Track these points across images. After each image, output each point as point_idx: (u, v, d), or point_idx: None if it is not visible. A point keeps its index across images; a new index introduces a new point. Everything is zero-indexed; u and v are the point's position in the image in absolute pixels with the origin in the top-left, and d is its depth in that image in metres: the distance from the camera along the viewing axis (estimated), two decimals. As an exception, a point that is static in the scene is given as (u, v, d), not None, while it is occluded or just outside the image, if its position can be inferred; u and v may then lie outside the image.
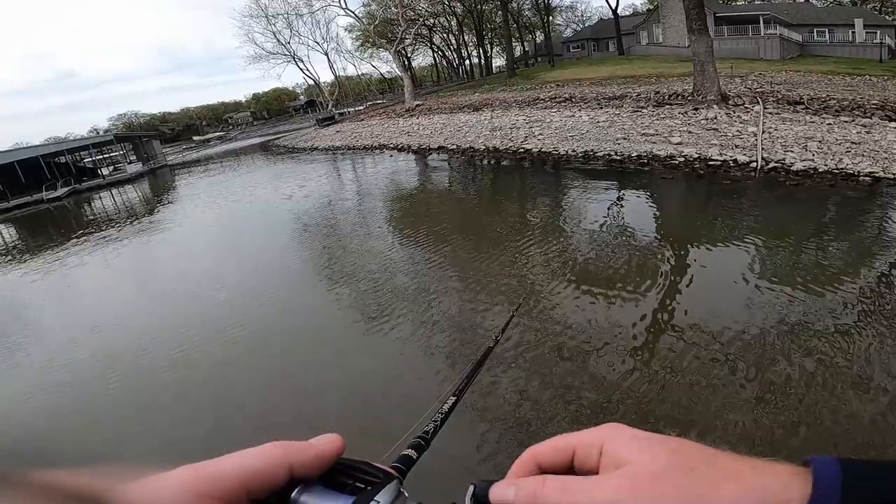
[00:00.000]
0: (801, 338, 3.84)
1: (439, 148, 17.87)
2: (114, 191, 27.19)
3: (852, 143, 9.64)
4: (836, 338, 3.78)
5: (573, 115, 16.11)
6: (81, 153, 37.19)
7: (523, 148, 14.40)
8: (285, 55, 39.67)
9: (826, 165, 8.82)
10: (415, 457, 0.45)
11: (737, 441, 2.94)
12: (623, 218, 7.89)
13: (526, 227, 8.19)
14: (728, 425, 3.06)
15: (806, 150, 9.64)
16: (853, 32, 26.67)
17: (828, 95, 13.78)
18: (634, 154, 11.31)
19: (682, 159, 10.40)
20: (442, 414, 0.61)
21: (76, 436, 4.02)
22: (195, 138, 69.25)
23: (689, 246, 6.24)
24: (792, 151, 9.69)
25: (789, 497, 0.25)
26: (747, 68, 21.57)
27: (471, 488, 0.33)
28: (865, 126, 10.48)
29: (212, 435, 3.72)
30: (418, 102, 28.77)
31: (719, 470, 0.27)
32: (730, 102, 13.63)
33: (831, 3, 35.89)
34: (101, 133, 60.55)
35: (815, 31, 28.45)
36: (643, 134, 12.53)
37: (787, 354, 3.65)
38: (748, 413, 3.12)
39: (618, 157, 11.44)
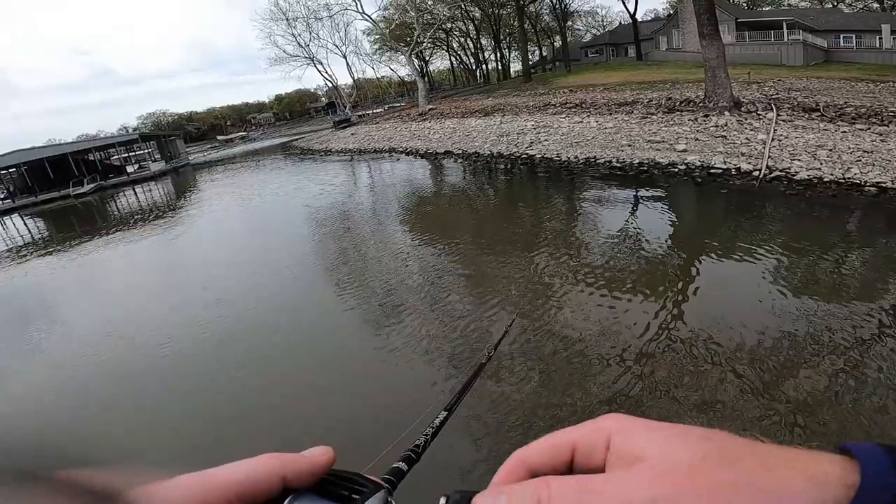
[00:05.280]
0: (799, 348, 3.75)
1: (446, 153, 17.95)
2: (137, 188, 28.14)
3: (864, 151, 9.31)
4: (841, 350, 3.67)
5: (581, 121, 15.97)
6: (109, 150, 38.61)
7: (527, 154, 14.34)
8: (305, 58, 40.37)
9: (832, 175, 8.54)
10: (405, 469, 0.45)
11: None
12: (607, 226, 7.70)
13: (513, 234, 8.15)
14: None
15: (814, 159, 9.35)
16: (880, 38, 25.71)
17: (845, 102, 13.31)
18: (636, 161, 11.15)
19: (684, 167, 10.20)
20: (433, 428, 0.62)
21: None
22: (219, 138, 71.18)
23: (665, 256, 6.14)
24: (799, 160, 9.41)
25: (852, 482, 0.23)
26: (768, 74, 21.00)
27: (442, 500, 0.29)
28: (881, 134, 10.11)
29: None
30: (431, 107, 28.95)
31: (769, 457, 0.24)
32: (742, 109, 13.30)
33: (861, 9, 34.69)
34: (129, 131, 62.77)
35: (840, 36, 27.52)
36: (649, 141, 12.34)
37: (785, 364, 3.57)
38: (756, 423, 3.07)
39: (618, 165, 11.29)
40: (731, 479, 0.23)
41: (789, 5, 37.56)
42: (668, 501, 0.23)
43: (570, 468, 0.29)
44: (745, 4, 40.38)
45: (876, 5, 34.12)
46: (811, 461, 0.24)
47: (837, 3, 37.25)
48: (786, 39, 26.41)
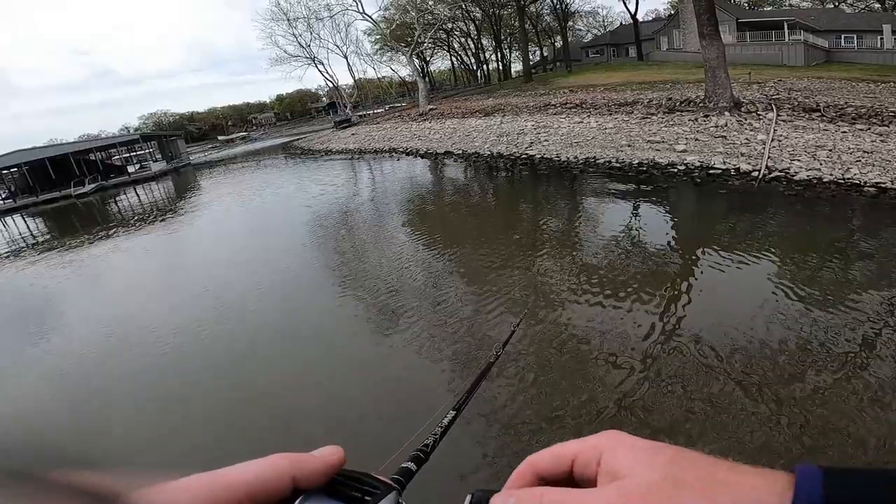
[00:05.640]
0: (799, 348, 3.76)
1: (446, 153, 17.97)
2: (138, 188, 28.18)
3: (864, 151, 9.30)
4: (842, 351, 3.68)
5: (581, 122, 15.97)
6: (110, 150, 38.67)
7: (526, 154, 14.36)
8: (306, 58, 40.37)
9: (832, 175, 8.54)
10: (414, 469, 0.46)
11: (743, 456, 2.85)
12: (607, 227, 7.71)
13: (514, 234, 8.17)
14: (735, 440, 3.00)
15: (814, 159, 9.35)
16: (881, 39, 25.69)
17: (846, 102, 13.30)
18: (636, 161, 11.15)
19: (683, 167, 10.20)
20: (442, 427, 0.62)
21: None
22: (220, 138, 71.29)
23: (665, 256, 6.15)
24: (799, 160, 9.41)
25: None
26: (768, 74, 20.98)
27: (468, 497, 0.33)
28: (881, 134, 10.11)
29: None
30: (431, 107, 28.97)
31: (714, 482, 0.27)
32: (742, 109, 13.30)
33: (862, 9, 34.65)
34: (131, 131, 62.87)
35: (842, 37, 27.49)
36: (648, 141, 12.35)
37: (780, 366, 3.57)
38: (754, 428, 3.07)
39: (618, 165, 11.29)
40: (680, 500, 0.26)
41: (790, 5, 37.54)
42: None
43: (571, 476, 0.33)
44: (746, 4, 40.35)
45: (877, 5, 34.07)
46: (757, 483, 0.27)
47: (839, 3, 37.20)
48: (787, 40, 26.39)
